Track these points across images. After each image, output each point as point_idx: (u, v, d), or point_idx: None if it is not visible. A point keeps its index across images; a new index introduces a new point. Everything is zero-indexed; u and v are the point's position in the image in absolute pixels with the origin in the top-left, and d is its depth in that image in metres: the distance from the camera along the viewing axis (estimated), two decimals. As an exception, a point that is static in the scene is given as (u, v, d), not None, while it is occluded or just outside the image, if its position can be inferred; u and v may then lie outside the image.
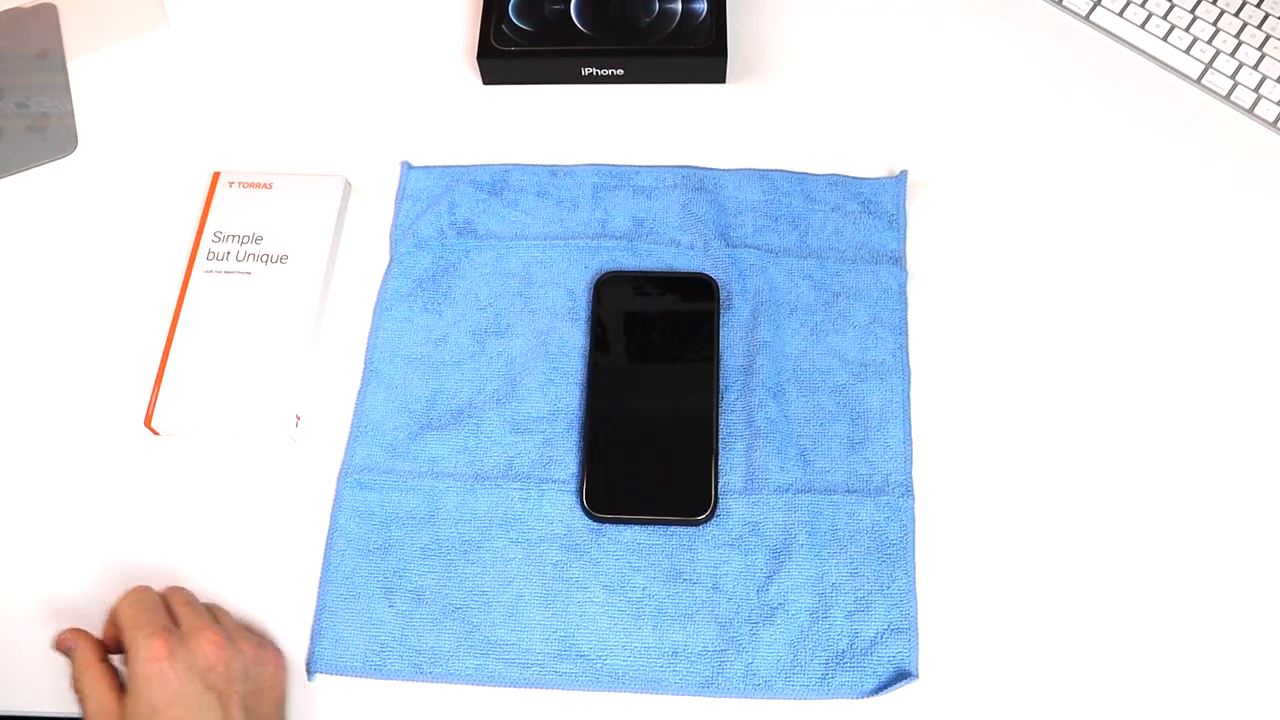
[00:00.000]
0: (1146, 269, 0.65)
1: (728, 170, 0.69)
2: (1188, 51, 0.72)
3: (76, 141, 0.72)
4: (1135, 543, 0.58)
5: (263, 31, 0.77)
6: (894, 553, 0.58)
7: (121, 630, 0.52)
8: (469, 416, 0.62)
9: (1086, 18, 0.74)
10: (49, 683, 0.57)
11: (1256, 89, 0.70)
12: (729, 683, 0.55)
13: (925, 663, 0.56)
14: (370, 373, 0.63)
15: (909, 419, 0.61)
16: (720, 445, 0.60)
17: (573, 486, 0.60)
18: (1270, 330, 0.63)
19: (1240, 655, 0.55)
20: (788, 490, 0.59)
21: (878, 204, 0.67)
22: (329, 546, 0.59)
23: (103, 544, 0.60)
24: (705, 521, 0.58)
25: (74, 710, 0.56)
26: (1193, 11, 0.73)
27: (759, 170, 0.69)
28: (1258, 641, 0.56)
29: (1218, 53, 0.71)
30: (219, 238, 0.66)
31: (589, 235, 0.67)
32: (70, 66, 0.75)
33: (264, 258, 0.65)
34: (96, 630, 0.55)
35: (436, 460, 0.61)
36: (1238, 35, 0.72)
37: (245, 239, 0.66)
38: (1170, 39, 0.72)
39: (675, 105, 0.72)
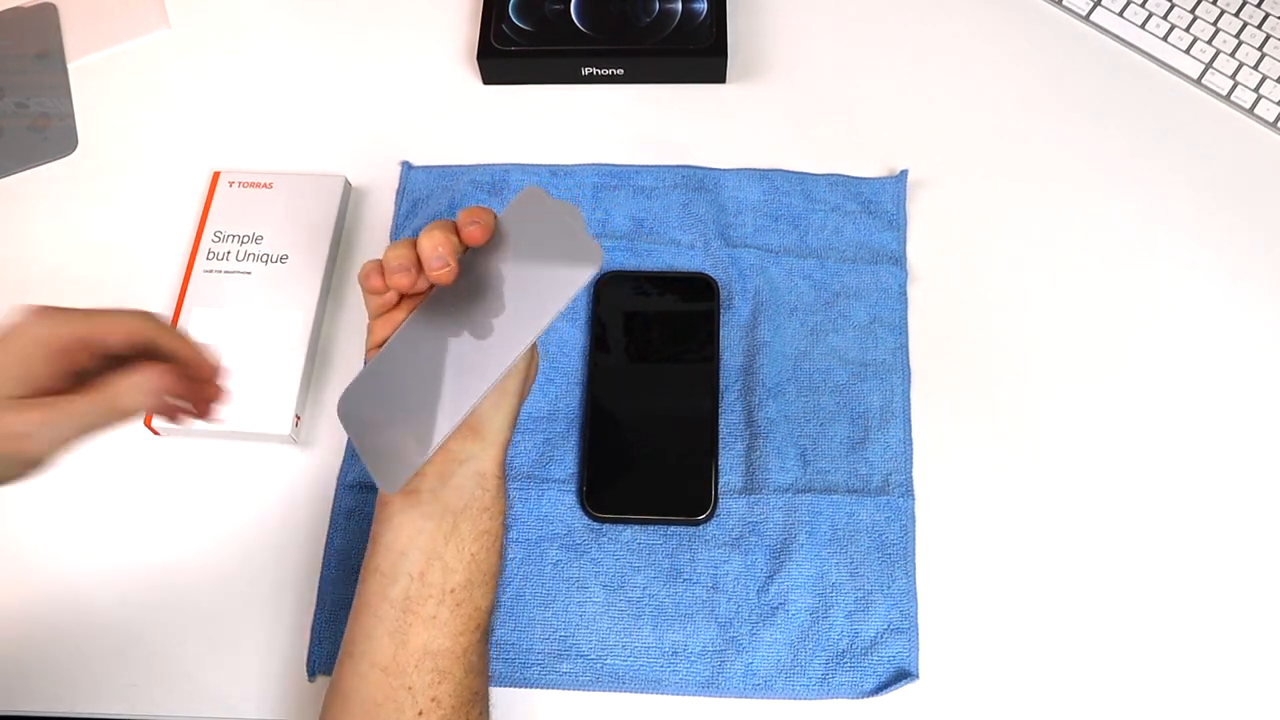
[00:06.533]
0: (1146, 268, 0.65)
1: (728, 170, 0.69)
2: (1188, 51, 0.72)
3: (76, 141, 0.72)
4: (1135, 543, 0.58)
5: (263, 31, 0.77)
6: (894, 553, 0.58)
7: None
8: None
9: (1086, 18, 0.74)
10: (49, 683, 0.57)
11: (1256, 89, 0.70)
12: (729, 683, 0.55)
13: (925, 663, 0.56)
14: (370, 373, 0.63)
15: (909, 419, 0.61)
16: (720, 445, 0.60)
17: (573, 486, 0.60)
18: (1272, 330, 0.63)
19: (1238, 654, 0.55)
20: (788, 490, 0.59)
21: (878, 204, 0.67)
22: (329, 547, 0.59)
23: (103, 544, 0.60)
24: (705, 521, 0.58)
25: (70, 710, 0.56)
26: (1193, 11, 0.73)
27: (759, 170, 0.68)
28: (1255, 639, 0.56)
29: (1218, 53, 0.71)
30: (219, 237, 0.66)
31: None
32: (70, 66, 0.75)
33: (264, 258, 0.65)
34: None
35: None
36: (1238, 35, 0.72)
37: (245, 239, 0.66)
38: (1170, 39, 0.72)
39: (675, 105, 0.72)
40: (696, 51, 0.71)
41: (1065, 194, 0.68)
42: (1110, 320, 0.64)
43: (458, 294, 0.48)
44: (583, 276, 0.46)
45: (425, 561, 0.47)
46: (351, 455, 0.61)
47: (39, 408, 0.40)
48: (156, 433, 0.61)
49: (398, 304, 0.49)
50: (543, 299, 0.47)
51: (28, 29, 0.77)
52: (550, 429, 0.61)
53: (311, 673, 0.56)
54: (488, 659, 0.49)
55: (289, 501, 0.60)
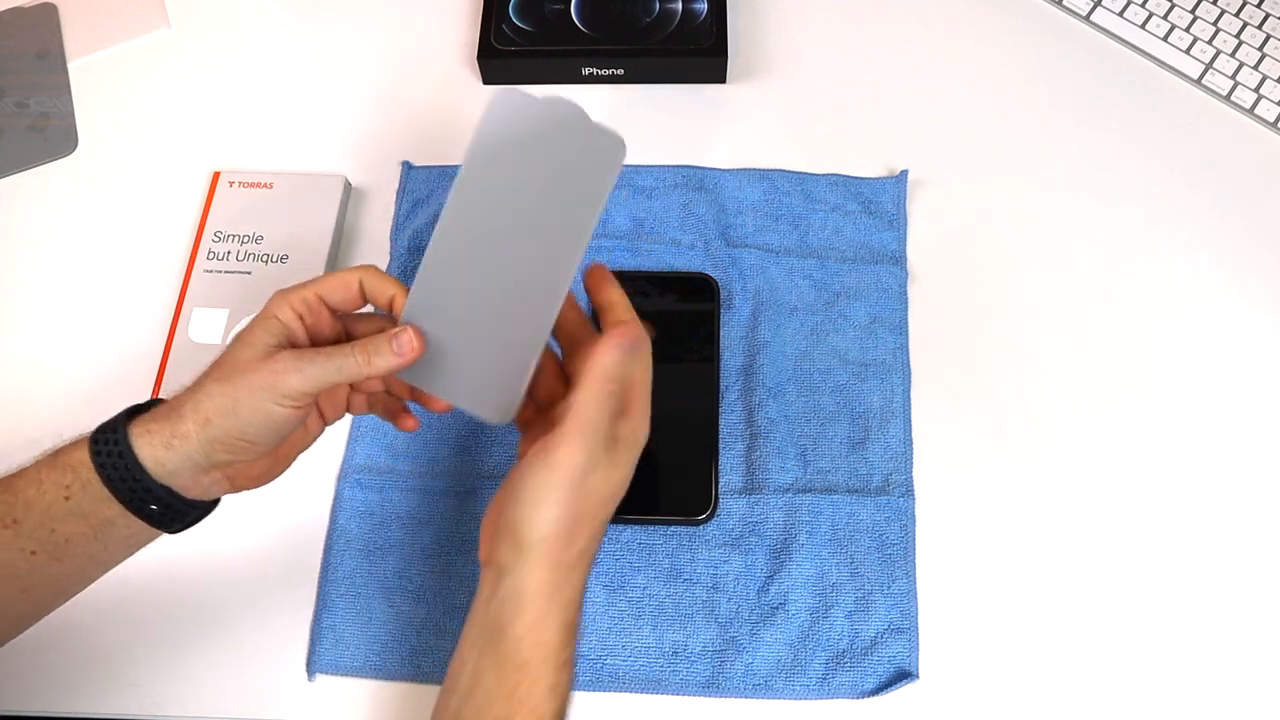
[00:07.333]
0: (1145, 268, 0.65)
1: (728, 170, 0.69)
2: (1188, 52, 0.72)
3: (76, 141, 0.72)
4: (1134, 542, 0.58)
5: (263, 31, 0.77)
6: (894, 553, 0.58)
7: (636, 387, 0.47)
8: (469, 415, 0.62)
9: (1086, 18, 0.74)
10: (49, 683, 0.57)
11: (1256, 89, 0.70)
12: (729, 683, 0.55)
13: (925, 663, 0.56)
14: (370, 373, 0.63)
15: (909, 419, 0.61)
16: (720, 445, 0.60)
17: (573, 486, 0.60)
18: (1272, 329, 0.63)
19: (1237, 652, 0.55)
20: (788, 490, 0.59)
21: (878, 204, 0.67)
22: (329, 546, 0.59)
23: (103, 544, 0.60)
24: (705, 521, 0.58)
25: (71, 710, 0.56)
26: (1193, 11, 0.73)
27: (759, 170, 0.68)
28: (1253, 641, 0.56)
29: (1218, 53, 0.71)
30: (219, 237, 0.66)
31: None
32: (70, 66, 0.75)
33: (264, 257, 0.65)
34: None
35: (436, 460, 0.61)
36: (1238, 35, 0.72)
37: (245, 239, 0.66)
38: (1170, 39, 0.72)
39: (675, 105, 0.72)
40: (696, 51, 0.71)
41: (1065, 194, 0.68)
42: (1110, 320, 0.64)
43: (480, 222, 0.47)
44: (611, 170, 0.45)
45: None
46: (352, 454, 0.61)
47: (292, 350, 0.46)
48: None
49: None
50: (578, 203, 0.46)
51: (28, 29, 0.77)
52: (550, 429, 0.61)
53: (311, 673, 0.56)
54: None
55: (289, 501, 0.60)
